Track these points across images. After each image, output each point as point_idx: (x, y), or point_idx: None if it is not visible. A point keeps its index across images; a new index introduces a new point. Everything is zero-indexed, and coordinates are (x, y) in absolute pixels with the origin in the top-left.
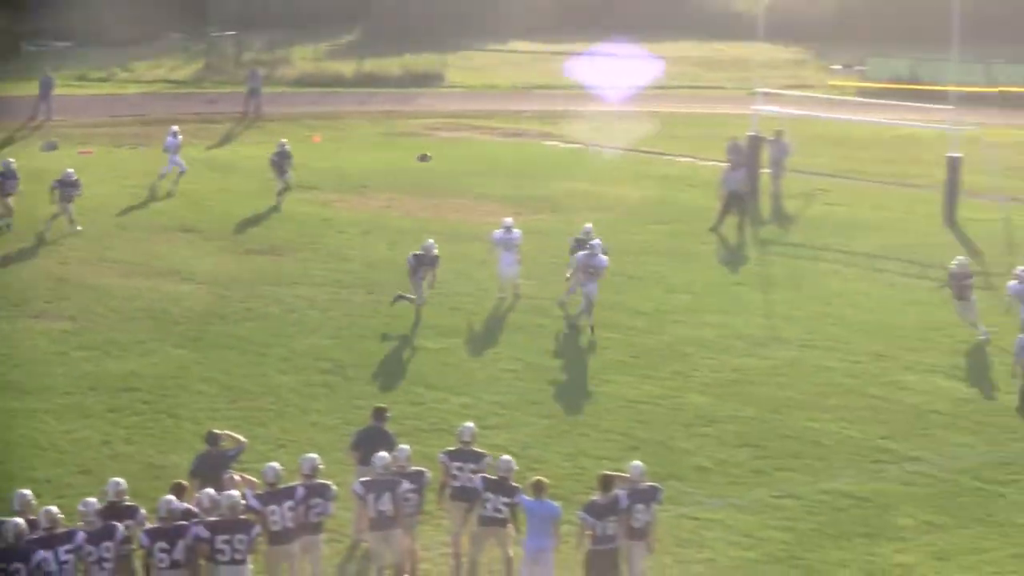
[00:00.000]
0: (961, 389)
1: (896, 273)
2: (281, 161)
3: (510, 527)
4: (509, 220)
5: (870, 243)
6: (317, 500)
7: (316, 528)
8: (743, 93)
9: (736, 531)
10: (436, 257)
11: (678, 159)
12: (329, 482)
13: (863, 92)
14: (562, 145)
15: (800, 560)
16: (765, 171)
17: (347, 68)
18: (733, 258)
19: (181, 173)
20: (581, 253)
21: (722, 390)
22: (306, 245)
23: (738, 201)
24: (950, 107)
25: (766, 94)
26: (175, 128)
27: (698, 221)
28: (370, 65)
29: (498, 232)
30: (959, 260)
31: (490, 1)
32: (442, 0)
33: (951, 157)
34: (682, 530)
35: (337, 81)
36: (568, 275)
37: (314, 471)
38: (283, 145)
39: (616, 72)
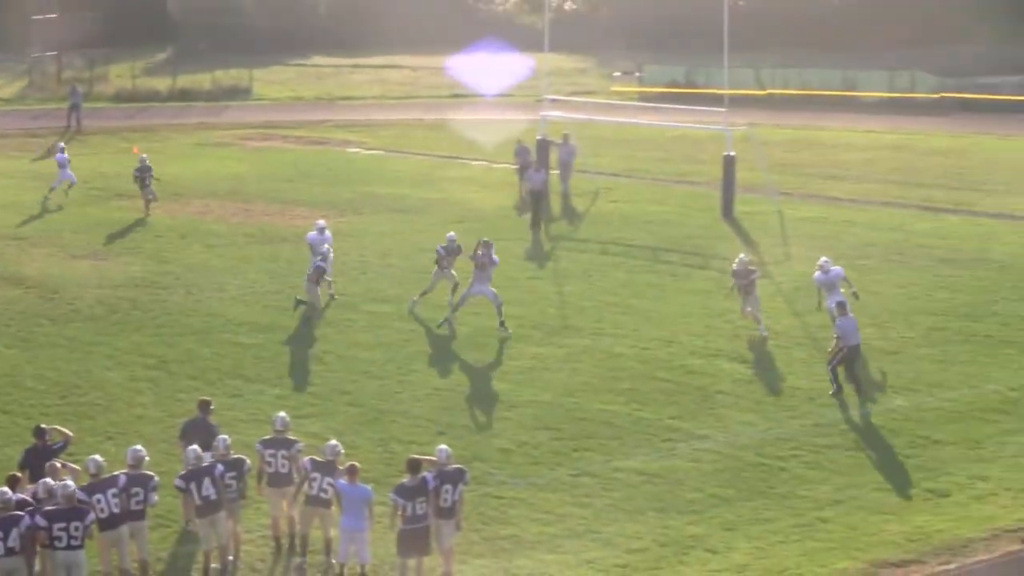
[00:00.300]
0: (742, 371)
1: (678, 264)
2: (143, 175)
3: (334, 508)
4: (322, 222)
5: (653, 237)
6: (138, 489)
7: (140, 515)
8: (532, 100)
9: (538, 508)
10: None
11: (472, 163)
12: (151, 473)
13: (643, 97)
14: (364, 152)
15: (598, 534)
16: (554, 172)
17: (161, 84)
18: (528, 254)
19: (71, 185)
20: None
21: (521, 377)
22: (128, 249)
23: (539, 200)
24: (724, 109)
25: (553, 100)
26: (62, 144)
27: (493, 220)
28: (183, 81)
29: (312, 233)
30: (740, 259)
31: (294, 19)
32: (249, 18)
33: (726, 156)
34: (488, 508)
35: (153, 96)
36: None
37: (138, 462)
38: (143, 160)
39: (414, 82)
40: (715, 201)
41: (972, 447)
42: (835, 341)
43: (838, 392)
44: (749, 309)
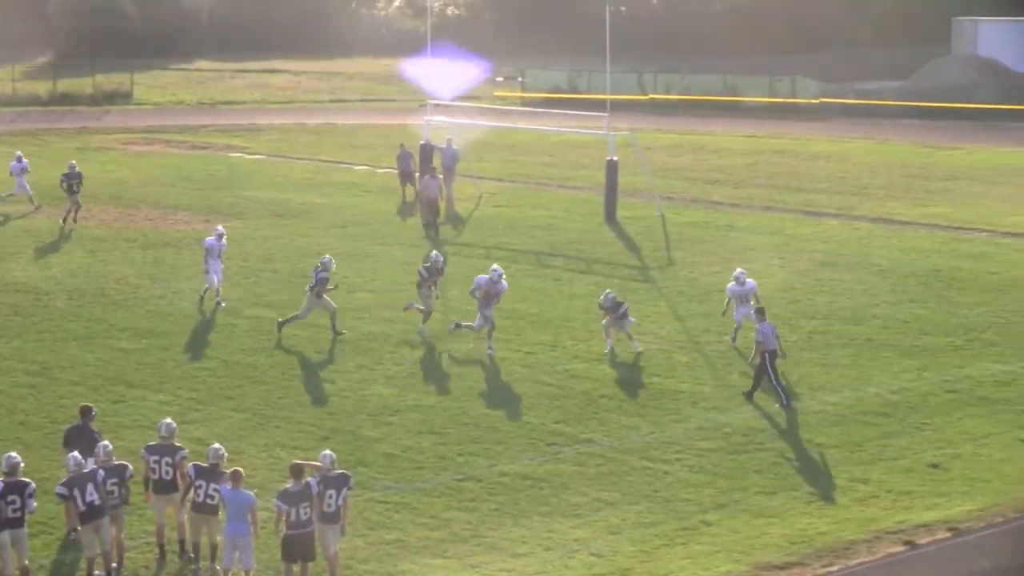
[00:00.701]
0: (626, 375)
1: (561, 269)
2: (70, 181)
3: (221, 514)
4: (220, 228)
5: (536, 241)
6: (14, 497)
7: (19, 522)
8: (415, 105)
9: (423, 513)
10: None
11: (356, 167)
12: (27, 480)
13: (527, 102)
14: (246, 157)
15: (483, 538)
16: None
17: (42, 88)
18: (410, 258)
19: (29, 196)
20: (483, 278)
21: (405, 381)
22: (9, 255)
23: (434, 207)
24: (606, 114)
25: (436, 105)
26: (19, 153)
27: (375, 224)
28: (64, 85)
29: (210, 239)
30: (608, 294)
31: (176, 24)
32: (131, 22)
33: (609, 160)
34: (372, 513)
35: (33, 100)
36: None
37: (13, 469)
38: (72, 167)
39: (296, 87)
40: (598, 206)
41: (854, 450)
42: (755, 347)
43: (786, 404)
44: (621, 330)
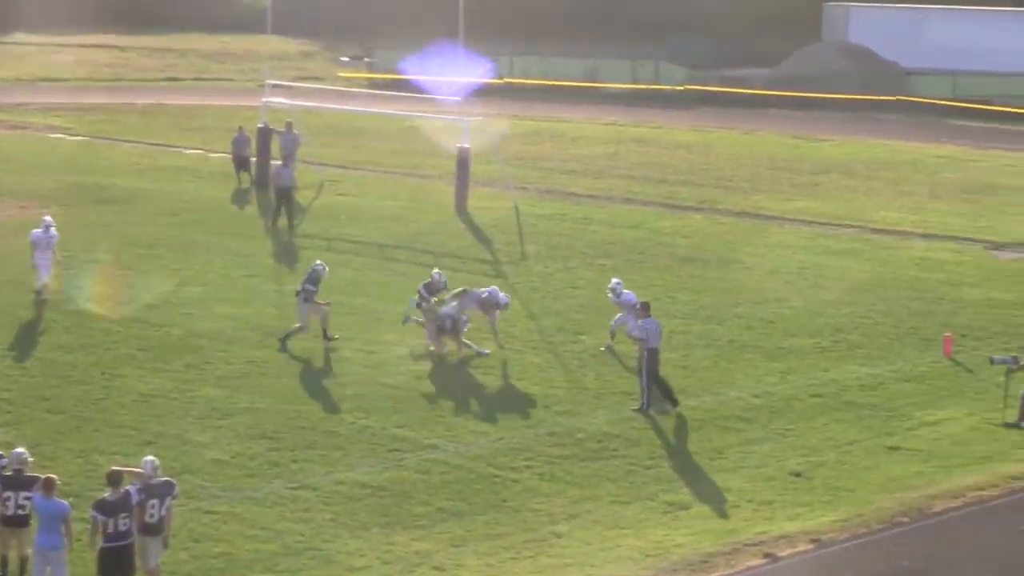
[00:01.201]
0: (475, 377)
1: (409, 263)
2: None
3: (32, 524)
4: (48, 219)
5: (382, 233)
6: None
7: None
8: (253, 85)
9: (253, 524)
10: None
11: (187, 151)
12: None
13: (374, 84)
14: (69, 138)
15: (318, 551)
16: (275, 162)
17: None
18: (246, 249)
19: None
20: (481, 293)
21: (237, 382)
22: None
23: (287, 197)
24: (458, 98)
25: (275, 86)
26: None
27: (207, 212)
28: None
29: (36, 231)
30: (436, 275)
31: None
32: None
33: (461, 148)
34: (198, 524)
35: None
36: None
37: None
38: None
39: (125, 64)
40: (449, 196)
41: (714, 457)
42: (637, 345)
43: (645, 408)
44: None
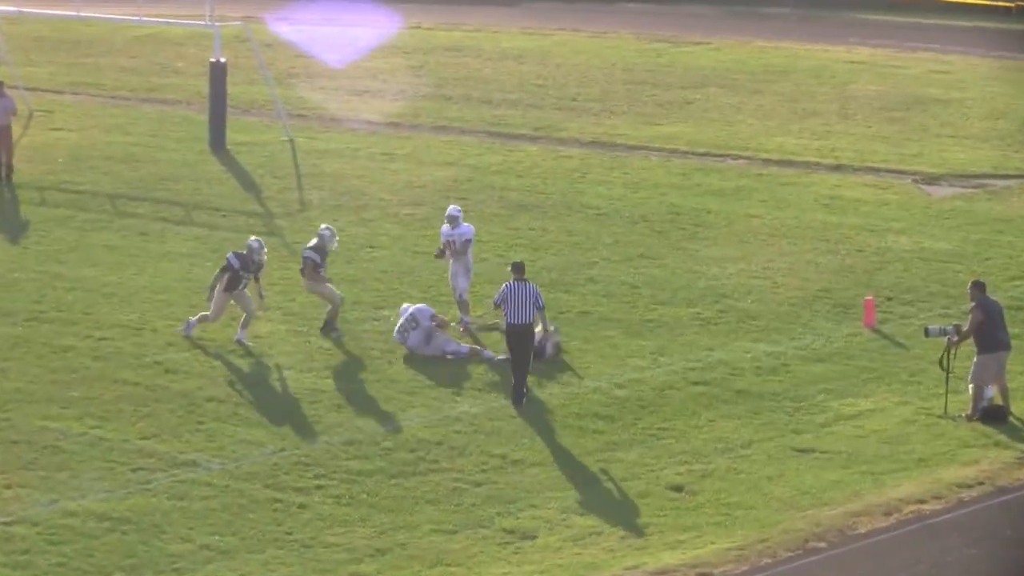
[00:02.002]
0: (245, 367)
1: (150, 218)
2: None
3: None
4: None
5: (113, 180)
6: None
7: None
8: None
9: None
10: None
11: None
12: None
13: None
14: None
15: None
16: None
17: None
18: None
19: None
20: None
21: None
22: None
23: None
24: None
25: None
26: None
27: None
28: None
29: None
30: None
31: None
32: None
33: (214, 63)
34: None
35: None
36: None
37: None
38: None
39: None
40: (201, 128)
41: (566, 468)
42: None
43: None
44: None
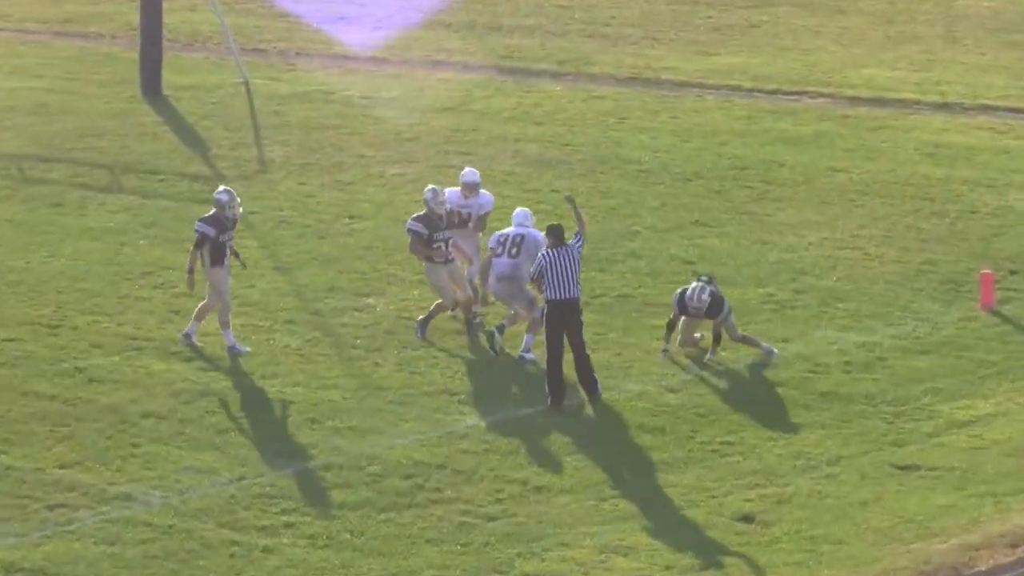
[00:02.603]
0: (188, 373)
1: (66, 184)
2: None
3: None
4: None
5: (20, 136)
6: None
7: None
8: None
9: None
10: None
11: None
12: None
13: None
14: None
15: None
16: None
17: None
18: None
19: None
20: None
21: None
22: None
23: None
24: None
25: None
26: None
27: None
28: None
29: None
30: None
31: None
32: None
33: None
34: None
35: None
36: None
37: None
38: None
39: None
40: (130, 67)
41: (604, 496)
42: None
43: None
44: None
